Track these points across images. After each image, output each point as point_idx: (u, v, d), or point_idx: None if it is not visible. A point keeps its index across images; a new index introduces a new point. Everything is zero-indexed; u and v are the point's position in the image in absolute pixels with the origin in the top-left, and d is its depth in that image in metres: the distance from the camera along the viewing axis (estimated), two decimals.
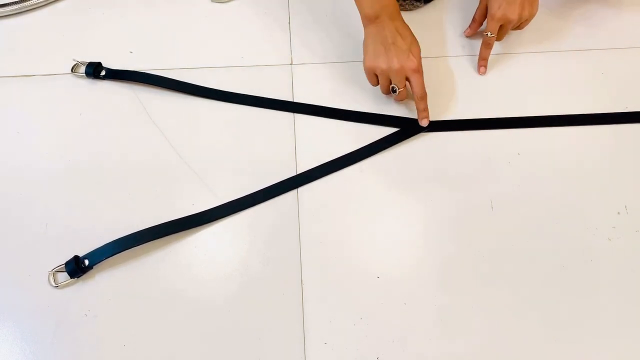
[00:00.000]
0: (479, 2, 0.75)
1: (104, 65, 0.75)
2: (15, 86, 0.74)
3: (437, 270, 0.62)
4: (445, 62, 0.76)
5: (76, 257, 0.60)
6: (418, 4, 0.80)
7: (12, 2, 0.79)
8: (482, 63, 0.74)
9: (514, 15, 0.69)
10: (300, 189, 0.66)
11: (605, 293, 0.61)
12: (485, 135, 0.70)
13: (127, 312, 0.59)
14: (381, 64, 0.65)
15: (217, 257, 0.62)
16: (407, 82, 0.67)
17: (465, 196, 0.66)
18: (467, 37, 0.78)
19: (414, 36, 0.66)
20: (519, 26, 0.73)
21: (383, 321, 0.59)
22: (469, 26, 0.77)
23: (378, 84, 0.69)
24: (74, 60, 0.75)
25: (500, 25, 0.71)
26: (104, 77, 0.74)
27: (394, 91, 0.68)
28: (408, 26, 0.67)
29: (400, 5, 0.80)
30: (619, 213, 0.65)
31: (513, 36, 0.79)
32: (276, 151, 0.69)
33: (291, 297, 0.60)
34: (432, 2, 0.81)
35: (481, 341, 0.58)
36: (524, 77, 0.75)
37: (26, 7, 0.80)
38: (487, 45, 0.73)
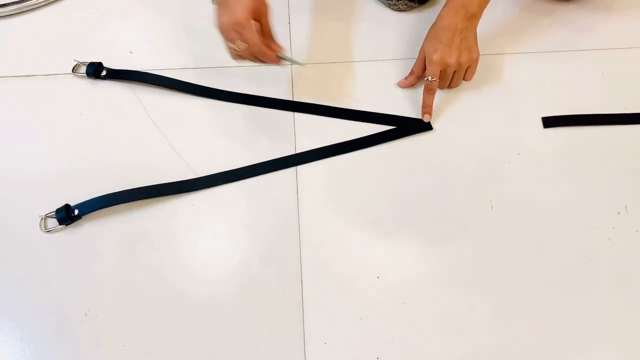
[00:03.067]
0: (418, 54, 0.71)
1: (104, 65, 0.75)
2: (15, 86, 0.74)
3: (437, 270, 0.62)
4: None
5: (67, 206, 0.62)
6: (412, 4, 0.80)
7: (12, 2, 0.79)
8: (427, 110, 0.70)
9: (451, 59, 0.67)
10: (301, 189, 0.66)
11: (605, 293, 0.61)
12: (486, 135, 0.70)
13: (127, 312, 0.59)
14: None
15: (217, 257, 0.62)
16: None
17: (465, 196, 0.66)
18: (402, 87, 0.73)
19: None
20: (465, 76, 0.71)
21: (383, 321, 0.59)
22: (406, 77, 0.73)
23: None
24: (75, 60, 0.75)
25: (441, 71, 0.68)
26: (105, 77, 0.74)
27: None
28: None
29: (395, 5, 0.80)
30: (619, 213, 0.65)
31: (512, 36, 0.79)
32: (276, 150, 0.69)
33: (291, 297, 0.60)
34: (426, 3, 0.81)
35: (481, 341, 0.58)
36: (522, 77, 0.75)
37: (26, 7, 0.80)
38: (429, 91, 0.70)
